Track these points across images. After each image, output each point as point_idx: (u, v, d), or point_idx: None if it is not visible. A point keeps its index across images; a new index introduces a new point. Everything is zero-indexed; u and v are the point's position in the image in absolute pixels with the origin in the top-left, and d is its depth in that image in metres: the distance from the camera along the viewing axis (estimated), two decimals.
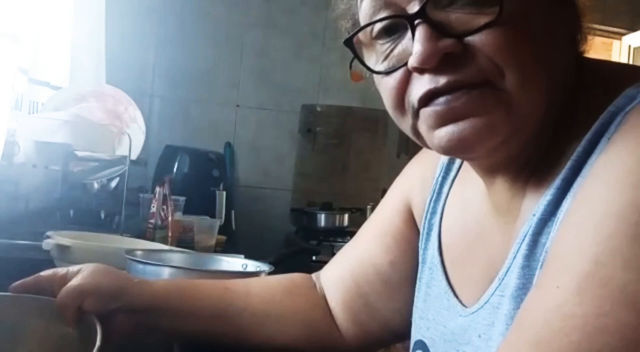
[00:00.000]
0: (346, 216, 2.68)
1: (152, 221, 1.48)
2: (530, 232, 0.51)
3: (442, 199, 0.68)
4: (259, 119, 2.97)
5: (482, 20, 0.47)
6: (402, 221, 0.74)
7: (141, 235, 1.42)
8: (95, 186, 1.55)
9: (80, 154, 1.47)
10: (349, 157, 2.99)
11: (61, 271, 0.69)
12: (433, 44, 0.47)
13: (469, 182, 0.64)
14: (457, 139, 0.49)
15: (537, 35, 0.49)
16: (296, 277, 0.83)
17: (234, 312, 0.74)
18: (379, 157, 2.97)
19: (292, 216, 2.84)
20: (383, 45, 0.53)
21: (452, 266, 0.65)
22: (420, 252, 0.70)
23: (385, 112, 0.56)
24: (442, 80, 0.48)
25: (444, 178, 0.69)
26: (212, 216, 1.87)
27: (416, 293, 0.70)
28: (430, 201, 0.69)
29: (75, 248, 0.98)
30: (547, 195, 0.51)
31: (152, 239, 1.38)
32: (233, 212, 2.42)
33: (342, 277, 0.78)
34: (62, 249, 0.98)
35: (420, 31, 0.48)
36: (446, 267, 0.65)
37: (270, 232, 2.77)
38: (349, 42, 0.54)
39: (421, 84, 0.49)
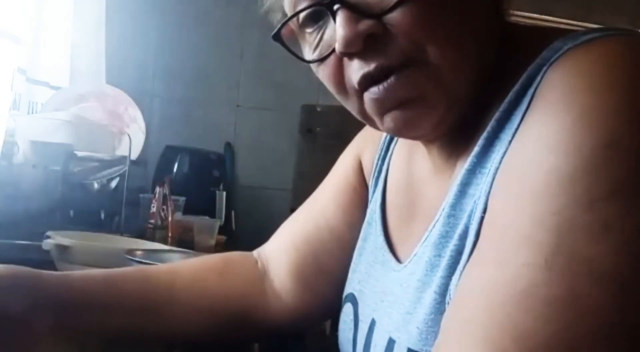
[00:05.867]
0: None
1: (152, 221, 1.48)
2: (457, 182, 0.51)
3: (389, 156, 0.68)
4: (259, 119, 2.96)
5: None
6: (355, 180, 0.75)
7: (141, 235, 1.42)
8: (95, 186, 1.54)
9: (80, 154, 1.47)
10: None
11: None
12: (354, 27, 0.48)
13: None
14: (404, 124, 0.51)
15: (454, 5, 0.49)
16: (231, 255, 0.80)
17: (159, 304, 0.68)
18: None
19: None
20: (312, 34, 0.53)
21: (395, 224, 0.64)
22: (368, 209, 0.70)
23: None
24: (372, 64, 0.49)
25: (392, 136, 0.69)
26: (212, 216, 1.88)
27: (356, 248, 0.70)
28: (378, 158, 0.70)
29: (75, 248, 0.98)
30: (476, 147, 0.50)
31: (152, 239, 1.38)
32: (233, 212, 2.42)
33: (295, 242, 0.76)
34: (62, 249, 0.98)
35: (340, 16, 0.48)
36: (389, 224, 0.65)
37: (270, 232, 2.73)
38: (277, 36, 0.55)
39: (354, 70, 0.50)
